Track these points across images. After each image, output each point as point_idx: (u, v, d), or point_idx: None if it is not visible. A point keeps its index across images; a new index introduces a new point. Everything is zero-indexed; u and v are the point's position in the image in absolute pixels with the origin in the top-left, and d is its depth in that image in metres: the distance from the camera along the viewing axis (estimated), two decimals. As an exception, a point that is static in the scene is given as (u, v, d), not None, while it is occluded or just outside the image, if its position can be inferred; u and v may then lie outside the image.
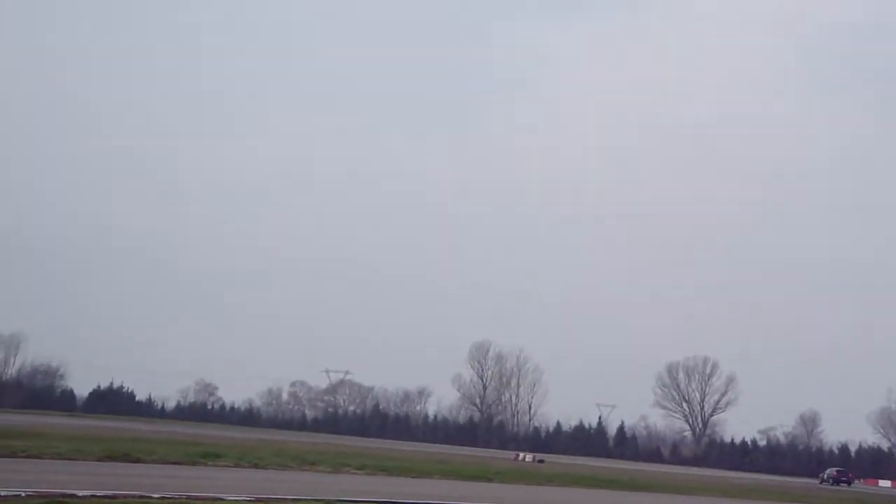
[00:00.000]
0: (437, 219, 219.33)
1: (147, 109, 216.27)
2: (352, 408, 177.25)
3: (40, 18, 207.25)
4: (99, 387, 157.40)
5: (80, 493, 19.54)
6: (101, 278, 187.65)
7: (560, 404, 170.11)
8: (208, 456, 37.69)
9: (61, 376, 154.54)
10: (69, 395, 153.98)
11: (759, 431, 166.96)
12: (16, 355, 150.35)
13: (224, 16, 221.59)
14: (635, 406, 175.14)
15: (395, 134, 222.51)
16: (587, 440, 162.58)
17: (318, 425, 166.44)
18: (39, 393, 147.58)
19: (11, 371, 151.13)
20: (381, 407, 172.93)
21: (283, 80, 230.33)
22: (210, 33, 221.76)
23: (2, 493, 18.35)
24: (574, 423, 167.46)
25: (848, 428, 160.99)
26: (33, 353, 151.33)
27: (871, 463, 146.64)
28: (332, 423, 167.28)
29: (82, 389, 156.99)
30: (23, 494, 18.52)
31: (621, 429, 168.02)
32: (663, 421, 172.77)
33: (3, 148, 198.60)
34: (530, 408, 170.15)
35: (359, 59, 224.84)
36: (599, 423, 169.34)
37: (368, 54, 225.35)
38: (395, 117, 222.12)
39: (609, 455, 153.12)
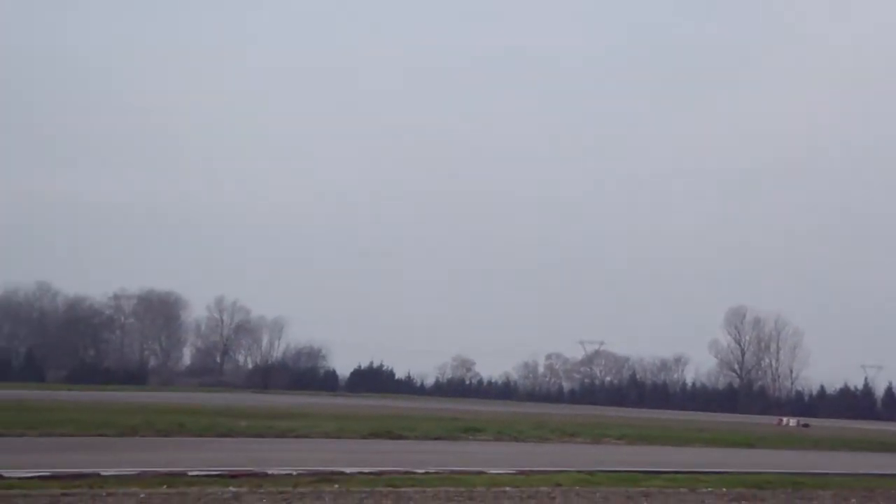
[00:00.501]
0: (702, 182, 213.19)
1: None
2: (608, 378, 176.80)
3: None
4: (360, 366, 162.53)
5: (348, 470, 20.07)
6: (383, 265, 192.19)
7: (822, 367, 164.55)
8: (469, 430, 38.17)
9: (323, 357, 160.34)
10: (332, 376, 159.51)
11: None
12: (280, 338, 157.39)
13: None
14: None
15: (641, 98, 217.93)
16: (853, 403, 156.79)
17: (574, 397, 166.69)
18: (304, 374, 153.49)
19: (277, 354, 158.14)
20: (637, 376, 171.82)
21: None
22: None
23: (275, 472, 19.03)
24: (838, 385, 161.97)
25: None
26: (297, 336, 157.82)
27: None
28: (589, 394, 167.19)
29: (344, 370, 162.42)
30: (294, 473, 19.15)
31: (889, 390, 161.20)
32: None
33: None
34: (791, 372, 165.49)
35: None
36: (866, 385, 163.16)
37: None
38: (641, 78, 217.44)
39: (877, 417, 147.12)
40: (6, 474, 16.69)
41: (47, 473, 17.00)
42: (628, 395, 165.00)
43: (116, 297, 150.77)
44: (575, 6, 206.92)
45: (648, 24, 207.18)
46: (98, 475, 17.22)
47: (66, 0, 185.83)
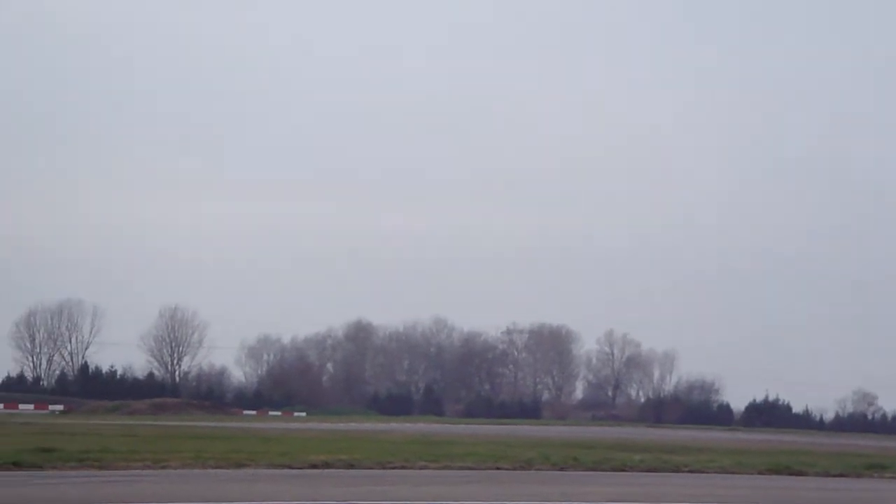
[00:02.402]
0: None
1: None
2: None
3: None
4: (755, 400, 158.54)
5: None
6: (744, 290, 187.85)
7: None
8: (873, 467, 36.10)
9: (716, 391, 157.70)
10: (726, 410, 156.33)
11: None
12: (671, 371, 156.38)
13: None
14: None
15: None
16: None
17: None
18: (697, 408, 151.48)
19: (669, 387, 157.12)
20: None
21: None
22: None
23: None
24: None
25: None
26: (688, 369, 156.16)
27: None
28: None
29: (738, 403, 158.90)
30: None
31: None
32: None
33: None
34: None
35: None
36: None
37: None
38: None
39: None
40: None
41: (448, 504, 17.57)
42: None
43: (509, 331, 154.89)
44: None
45: None
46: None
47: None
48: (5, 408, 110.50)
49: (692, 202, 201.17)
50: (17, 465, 24.18)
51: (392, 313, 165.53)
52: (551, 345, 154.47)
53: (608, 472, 29.43)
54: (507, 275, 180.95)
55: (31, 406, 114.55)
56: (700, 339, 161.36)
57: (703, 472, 31.43)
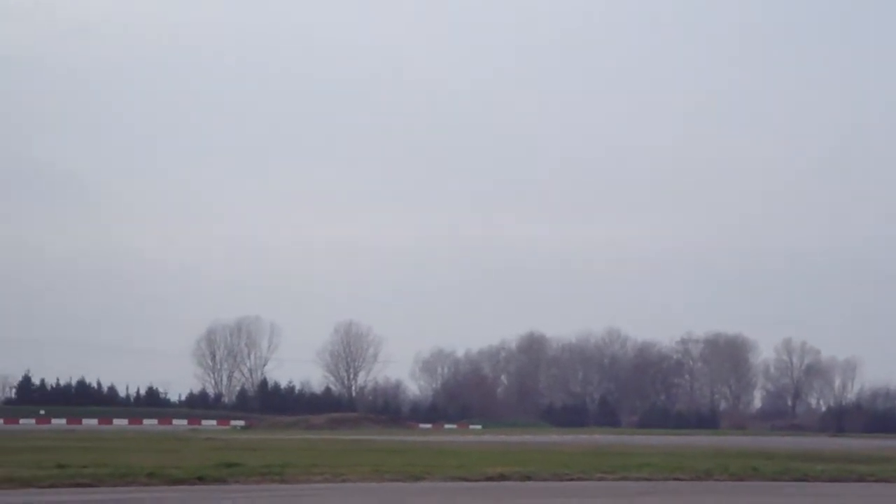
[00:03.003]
0: None
1: None
2: None
3: None
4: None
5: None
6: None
7: None
8: None
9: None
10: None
11: None
12: (853, 379, 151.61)
13: None
14: None
15: None
16: None
17: None
18: (882, 416, 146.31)
19: (851, 395, 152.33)
20: None
21: None
22: None
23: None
24: None
25: None
26: (872, 377, 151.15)
27: None
28: None
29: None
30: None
31: None
32: None
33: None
34: None
35: None
36: None
37: None
38: None
39: None
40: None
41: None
42: None
43: (684, 341, 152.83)
44: None
45: None
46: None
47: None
48: (189, 423, 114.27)
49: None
50: (201, 479, 24.97)
51: (565, 325, 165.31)
52: (727, 354, 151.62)
53: (789, 483, 28.71)
54: (680, 284, 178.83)
55: (214, 422, 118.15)
56: (884, 345, 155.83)
57: (890, 481, 30.35)
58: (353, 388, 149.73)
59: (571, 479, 27.62)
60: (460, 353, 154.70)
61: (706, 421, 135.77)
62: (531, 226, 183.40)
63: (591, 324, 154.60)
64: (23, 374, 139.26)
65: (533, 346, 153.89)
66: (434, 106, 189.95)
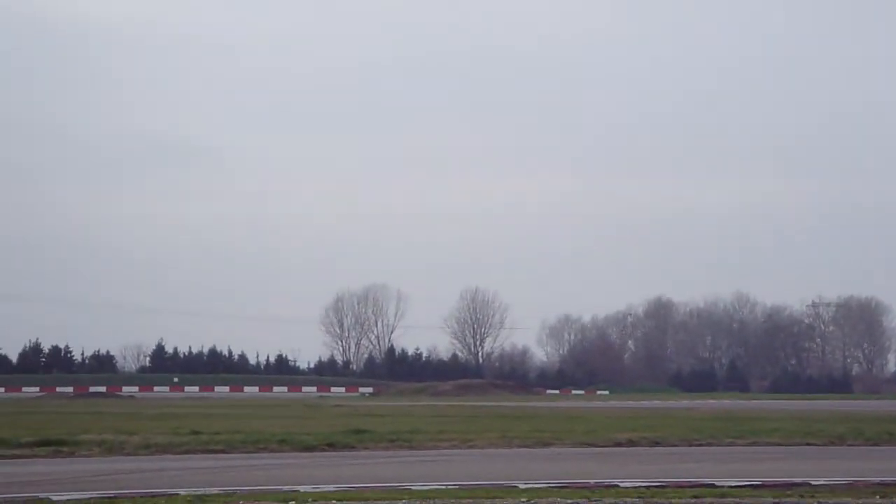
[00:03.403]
0: None
1: None
2: None
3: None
4: None
5: None
6: None
7: None
8: None
9: None
10: None
11: None
12: None
13: None
14: None
15: None
16: None
17: None
18: None
19: None
20: None
21: None
22: None
23: None
24: None
25: None
26: None
27: None
28: None
29: None
30: None
31: None
32: None
33: None
34: None
35: None
36: None
37: None
38: None
39: None
40: (718, 483, 17.06)
41: (758, 482, 17.11)
42: None
43: (815, 304, 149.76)
44: None
45: None
46: (808, 484, 17.01)
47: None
48: (318, 391, 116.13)
49: None
50: (331, 446, 25.31)
51: (692, 289, 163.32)
52: (860, 317, 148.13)
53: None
54: (809, 246, 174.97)
55: (342, 389, 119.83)
56: None
57: None
58: (480, 354, 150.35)
59: (701, 445, 27.30)
60: (587, 319, 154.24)
61: (838, 385, 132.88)
62: (657, 189, 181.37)
63: (719, 288, 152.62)
64: (156, 343, 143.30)
65: (660, 312, 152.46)
66: (566, 67, 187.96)
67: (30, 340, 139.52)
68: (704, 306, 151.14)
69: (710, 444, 27.31)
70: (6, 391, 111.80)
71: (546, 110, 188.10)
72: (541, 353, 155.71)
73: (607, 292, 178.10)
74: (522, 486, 16.02)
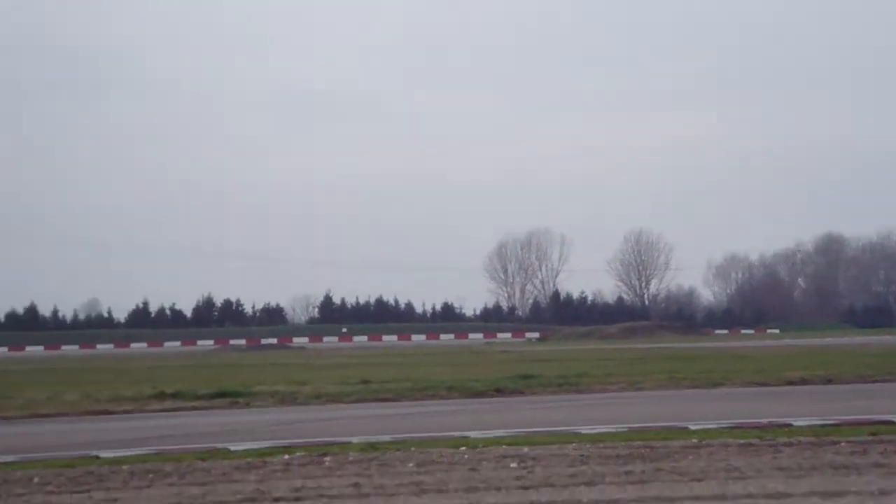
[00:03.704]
0: None
1: None
2: None
3: None
4: None
5: None
6: None
7: None
8: None
9: None
10: None
11: None
12: None
13: None
14: None
15: None
16: None
17: None
18: None
19: None
20: None
21: None
22: None
23: None
24: None
25: None
26: None
27: None
28: None
29: None
30: None
31: None
32: None
33: None
34: None
35: None
36: None
37: None
38: None
39: None
40: (893, 419, 16.53)
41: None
42: None
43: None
44: None
45: None
46: None
47: None
48: (484, 337, 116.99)
49: None
50: (499, 391, 25.42)
51: (864, 223, 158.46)
52: None
53: None
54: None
55: (508, 335, 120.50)
56: None
57: None
58: (646, 296, 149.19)
59: (876, 381, 26.49)
60: (754, 258, 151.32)
61: None
62: (826, 123, 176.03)
63: (892, 220, 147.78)
64: (324, 294, 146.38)
65: (831, 247, 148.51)
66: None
67: (202, 295, 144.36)
68: (878, 239, 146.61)
69: (885, 381, 26.49)
70: (182, 345, 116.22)
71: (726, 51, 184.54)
72: (707, 294, 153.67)
73: (775, 230, 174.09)
74: (693, 427, 15.79)
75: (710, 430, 15.48)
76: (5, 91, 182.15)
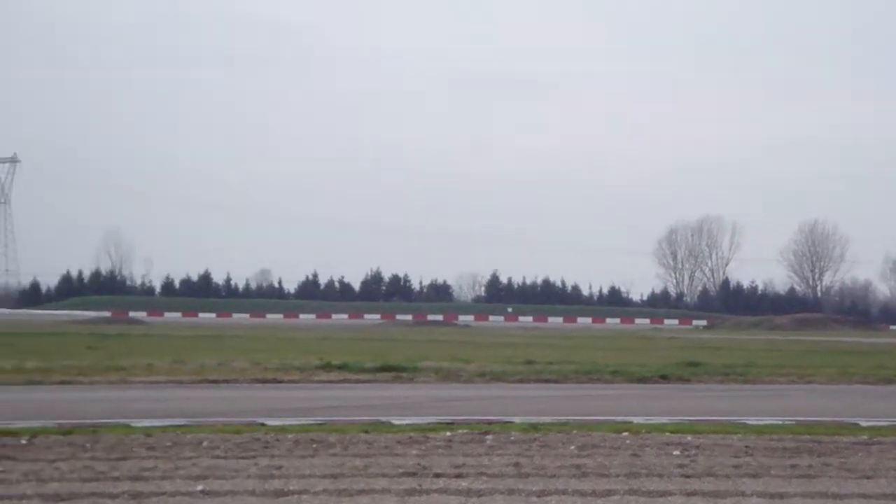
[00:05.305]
0: None
1: None
2: None
3: None
4: None
5: None
6: None
7: None
8: None
9: None
10: None
11: None
12: None
13: None
14: None
15: None
16: None
17: None
18: None
19: None
20: None
21: None
22: None
23: None
24: None
25: None
26: None
27: None
28: None
29: None
30: None
31: None
32: None
33: None
34: None
35: None
36: None
37: None
38: None
39: None
40: None
41: None
42: None
43: None
44: None
45: None
46: None
47: None
48: (651, 323, 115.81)
49: None
50: (664, 378, 25.15)
51: None
52: None
53: None
54: None
55: (675, 321, 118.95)
56: None
57: None
58: (819, 288, 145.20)
59: None
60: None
61: None
62: None
63: None
64: (491, 273, 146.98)
65: None
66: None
67: (371, 269, 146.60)
68: None
69: None
70: (349, 317, 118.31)
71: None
72: (884, 289, 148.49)
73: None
74: (864, 424, 15.36)
75: (881, 427, 15.03)
76: (219, 68, 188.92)
